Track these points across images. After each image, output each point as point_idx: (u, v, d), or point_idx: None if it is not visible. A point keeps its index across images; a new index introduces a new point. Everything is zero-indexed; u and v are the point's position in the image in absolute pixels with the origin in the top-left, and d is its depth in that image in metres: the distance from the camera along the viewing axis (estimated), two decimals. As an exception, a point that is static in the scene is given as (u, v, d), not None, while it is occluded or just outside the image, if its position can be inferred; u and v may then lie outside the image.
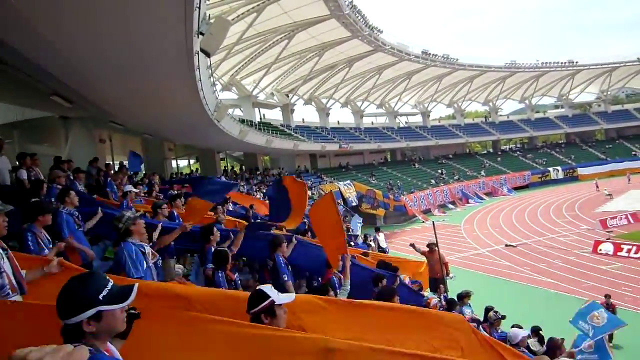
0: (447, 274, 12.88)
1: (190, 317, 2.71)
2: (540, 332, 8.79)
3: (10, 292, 3.03)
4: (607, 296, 13.05)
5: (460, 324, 4.06)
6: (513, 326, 8.61)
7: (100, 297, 1.78)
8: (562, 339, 7.11)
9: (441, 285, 12.10)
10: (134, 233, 4.27)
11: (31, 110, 14.11)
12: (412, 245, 13.29)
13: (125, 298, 1.86)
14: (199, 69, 10.41)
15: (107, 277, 1.91)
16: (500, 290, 16.81)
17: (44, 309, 2.42)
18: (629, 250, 19.90)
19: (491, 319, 8.58)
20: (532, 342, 7.82)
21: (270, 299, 2.92)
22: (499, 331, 8.59)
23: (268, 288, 3.06)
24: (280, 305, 2.97)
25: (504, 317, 8.71)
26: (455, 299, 9.59)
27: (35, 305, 2.58)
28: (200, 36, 8.41)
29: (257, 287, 3.11)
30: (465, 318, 8.11)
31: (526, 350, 6.41)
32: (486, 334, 6.98)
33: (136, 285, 1.95)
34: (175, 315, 2.72)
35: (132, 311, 2.14)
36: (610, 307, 12.04)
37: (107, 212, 6.41)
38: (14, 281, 3.08)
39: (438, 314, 4.38)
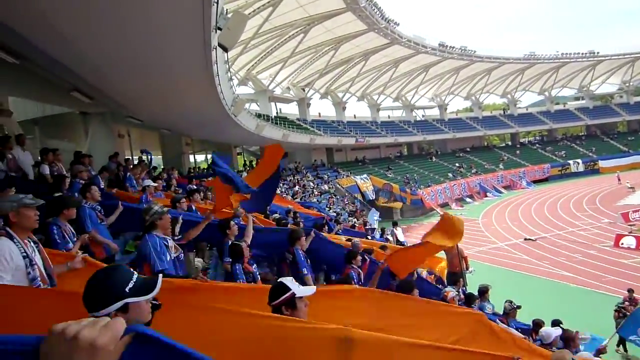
0: (467, 268, 12.79)
1: (209, 308, 2.74)
2: (561, 325, 8.73)
3: (42, 284, 3.10)
4: (631, 290, 12.68)
5: (477, 319, 4.05)
6: (535, 321, 8.57)
7: (127, 289, 1.80)
8: (577, 332, 7.02)
9: (460, 280, 12.03)
10: (159, 227, 4.33)
11: (52, 106, 14.39)
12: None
13: (150, 290, 1.87)
14: (216, 63, 10.47)
15: (132, 270, 1.94)
16: (519, 284, 16.64)
17: (73, 296, 2.47)
18: (651, 244, 19.56)
19: (506, 310, 8.59)
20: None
21: (291, 291, 2.95)
22: (517, 321, 8.60)
23: (289, 280, 3.08)
24: (301, 297, 2.99)
25: (519, 307, 8.72)
26: (475, 293, 9.53)
27: (64, 293, 2.64)
28: (218, 31, 8.45)
29: (278, 280, 3.13)
30: (485, 313, 8.09)
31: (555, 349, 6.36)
32: (504, 326, 6.96)
33: (160, 276, 1.96)
34: (193, 306, 2.75)
35: (154, 302, 2.18)
36: (634, 302, 11.77)
37: (126, 206, 6.50)
38: (44, 273, 3.15)
39: (453, 308, 4.37)
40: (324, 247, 7.79)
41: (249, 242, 6.29)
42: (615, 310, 11.72)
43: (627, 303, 11.77)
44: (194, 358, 1.26)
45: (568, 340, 6.62)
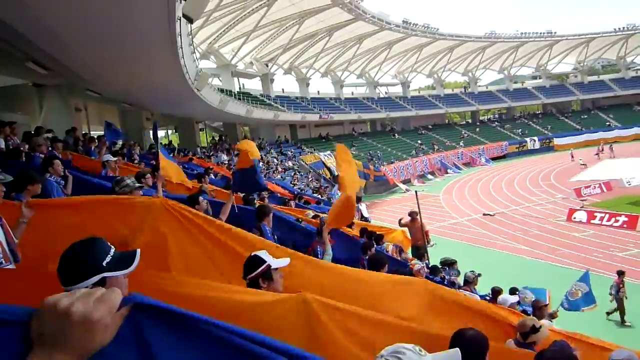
0: (428, 242, 13.12)
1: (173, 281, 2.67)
2: (517, 292, 9.17)
3: (4, 261, 2.98)
4: (621, 273, 12.35)
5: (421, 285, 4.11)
6: (493, 289, 8.94)
7: (104, 263, 1.75)
8: (546, 304, 7.34)
9: (425, 254, 12.35)
10: None
11: (3, 77, 13.64)
12: (399, 221, 13.46)
13: (128, 264, 1.83)
14: (180, 35, 10.16)
15: (109, 244, 1.88)
16: (478, 258, 17.18)
17: (40, 275, 2.38)
18: (601, 218, 20.46)
19: (469, 279, 8.98)
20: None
21: (267, 263, 2.96)
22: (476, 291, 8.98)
23: (263, 253, 3.08)
24: (276, 269, 3.00)
25: (479, 275, 9.20)
26: (439, 265, 9.83)
27: (31, 272, 2.54)
28: (182, 1, 8.17)
29: (252, 253, 3.12)
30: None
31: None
32: (468, 293, 7.23)
33: (138, 251, 1.91)
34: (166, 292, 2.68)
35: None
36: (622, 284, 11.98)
37: (87, 180, 6.32)
38: (7, 250, 3.02)
39: (402, 279, 4.40)
40: (286, 225, 7.80)
41: (224, 220, 6.23)
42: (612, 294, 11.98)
43: (622, 287, 12.00)
44: (202, 321, 1.20)
45: (535, 309, 6.93)
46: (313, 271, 3.77)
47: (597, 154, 42.68)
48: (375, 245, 7.58)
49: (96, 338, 0.93)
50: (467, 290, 8.20)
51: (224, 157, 26.64)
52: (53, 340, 0.90)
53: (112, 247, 1.86)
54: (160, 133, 35.67)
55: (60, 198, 4.51)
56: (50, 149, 8.80)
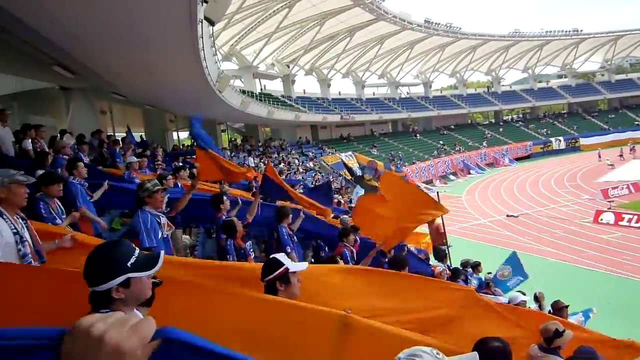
0: (444, 243, 13.02)
1: (206, 287, 2.72)
2: (539, 298, 9.00)
3: (32, 260, 3.06)
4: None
5: (468, 295, 4.07)
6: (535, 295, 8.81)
7: (129, 264, 1.80)
8: (566, 305, 7.20)
9: (446, 255, 12.24)
10: (150, 203, 4.28)
11: (31, 80, 13.97)
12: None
13: (152, 266, 1.88)
14: (202, 37, 10.27)
15: (134, 245, 1.93)
16: (501, 260, 16.91)
17: (67, 274, 2.43)
18: (629, 220, 19.98)
19: (489, 280, 8.91)
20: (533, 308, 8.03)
21: (285, 266, 2.96)
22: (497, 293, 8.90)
23: (282, 256, 3.10)
24: (294, 272, 3.01)
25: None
26: (460, 267, 9.72)
27: (58, 271, 2.60)
28: (204, 4, 8.26)
29: (271, 256, 3.14)
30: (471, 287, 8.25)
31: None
32: (491, 297, 7.16)
33: (162, 252, 1.96)
34: (192, 285, 2.73)
35: (154, 280, 2.17)
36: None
37: (112, 184, 6.43)
38: (34, 249, 3.10)
39: (445, 283, 4.38)
40: (315, 224, 7.83)
41: (250, 220, 6.31)
42: None
43: None
44: (231, 359, 1.19)
45: (555, 310, 6.83)
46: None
47: (620, 155, 41.53)
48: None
49: None
50: (487, 294, 8.11)
51: (251, 161, 26.77)
52: None
53: (137, 248, 1.91)
54: (183, 134, 36.13)
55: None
56: (76, 151, 9.03)
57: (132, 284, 1.80)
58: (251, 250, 5.86)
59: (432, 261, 11.68)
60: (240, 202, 7.05)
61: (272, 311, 2.63)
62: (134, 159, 9.26)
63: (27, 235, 3.09)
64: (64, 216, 4.28)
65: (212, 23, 9.41)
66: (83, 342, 0.91)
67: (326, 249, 8.14)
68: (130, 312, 1.86)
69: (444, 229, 13.49)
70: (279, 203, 9.14)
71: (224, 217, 6.10)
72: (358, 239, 7.52)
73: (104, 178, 6.60)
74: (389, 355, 2.69)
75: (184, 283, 2.66)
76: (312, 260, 8.62)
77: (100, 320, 0.93)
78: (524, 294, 8.65)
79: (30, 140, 7.77)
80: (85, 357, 0.90)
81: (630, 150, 42.87)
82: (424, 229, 13.26)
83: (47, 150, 7.73)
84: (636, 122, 57.89)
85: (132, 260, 1.82)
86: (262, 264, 3.11)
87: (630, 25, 56.69)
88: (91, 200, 5.76)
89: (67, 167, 5.67)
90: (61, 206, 4.44)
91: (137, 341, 0.93)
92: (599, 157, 41.39)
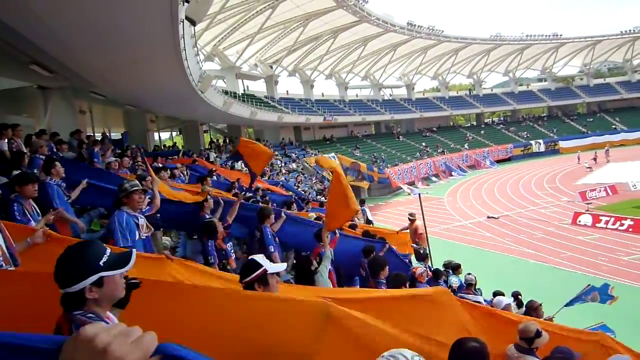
0: (419, 245, 13.06)
1: (182, 286, 2.70)
2: (520, 297, 9.13)
3: (4, 264, 2.99)
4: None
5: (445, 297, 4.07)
6: (495, 292, 8.89)
7: (101, 263, 1.79)
8: (540, 303, 7.31)
9: (427, 256, 12.32)
10: (126, 204, 4.23)
11: (8, 80, 13.69)
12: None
13: (124, 264, 1.87)
14: (183, 37, 10.18)
15: (104, 245, 1.92)
16: (483, 261, 17.11)
17: (39, 277, 2.39)
18: (606, 222, 20.32)
19: (471, 281, 9.00)
20: (512, 306, 8.13)
21: (263, 267, 2.96)
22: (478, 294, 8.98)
23: (260, 257, 3.09)
24: (272, 274, 3.00)
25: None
26: (442, 269, 9.79)
27: (30, 274, 2.55)
28: (185, 4, 8.19)
29: (249, 257, 3.13)
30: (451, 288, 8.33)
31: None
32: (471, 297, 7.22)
33: (134, 251, 1.95)
34: (167, 285, 2.71)
35: (133, 281, 2.15)
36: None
37: (91, 183, 6.33)
38: (7, 253, 3.03)
39: (426, 293, 4.36)
40: (294, 228, 7.79)
41: (231, 221, 6.29)
42: None
43: None
44: None
45: (530, 309, 6.91)
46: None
47: (594, 158, 42.07)
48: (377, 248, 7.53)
49: None
50: (469, 294, 8.18)
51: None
52: None
53: (108, 247, 1.89)
54: (165, 135, 35.83)
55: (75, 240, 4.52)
56: (54, 150, 8.88)
57: (105, 283, 1.79)
58: (232, 251, 5.84)
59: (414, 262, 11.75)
60: (222, 202, 7.02)
61: (251, 304, 2.61)
62: (113, 158, 9.16)
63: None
64: (40, 218, 4.19)
65: (193, 23, 9.35)
66: (86, 351, 0.90)
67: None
68: (104, 313, 1.84)
69: (425, 230, 13.61)
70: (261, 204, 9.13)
71: (206, 217, 6.08)
72: (338, 233, 7.49)
73: (86, 175, 6.48)
74: (371, 344, 2.71)
75: (157, 282, 2.63)
76: (295, 260, 8.60)
77: (104, 331, 0.92)
78: (502, 294, 8.76)
79: (6, 140, 7.60)
80: None
81: (606, 153, 43.55)
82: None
83: (24, 150, 7.59)
84: (613, 126, 59.12)
85: (104, 259, 1.81)
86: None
87: (608, 31, 57.73)
88: (69, 201, 5.65)
89: (43, 167, 5.55)
90: (36, 208, 4.35)
91: (139, 355, 0.92)
92: (579, 159, 42.08)
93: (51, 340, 0.99)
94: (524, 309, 7.91)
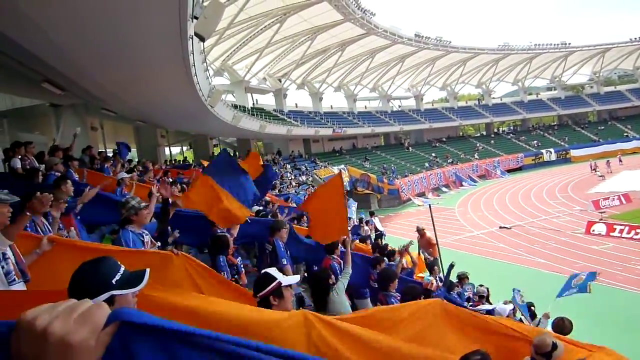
0: (430, 256, 13.07)
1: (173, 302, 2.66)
2: (532, 307, 8.99)
3: (16, 278, 3.03)
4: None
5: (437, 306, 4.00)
6: (505, 302, 8.79)
7: (113, 281, 1.78)
8: (571, 322, 6.90)
9: (435, 267, 12.22)
10: (135, 222, 4.27)
11: (21, 98, 13.94)
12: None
13: (137, 283, 1.84)
14: (193, 53, 10.31)
15: (119, 263, 1.90)
16: (495, 271, 16.94)
17: (51, 295, 2.40)
18: (621, 231, 20.03)
19: (483, 293, 8.94)
20: (524, 319, 8.03)
21: (278, 280, 2.95)
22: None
23: (273, 270, 3.08)
24: (287, 286, 2.99)
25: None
26: (455, 280, 9.72)
27: (42, 292, 2.56)
28: (194, 20, 8.29)
29: (263, 271, 3.13)
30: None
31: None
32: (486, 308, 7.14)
33: (148, 270, 1.92)
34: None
35: None
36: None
37: (104, 196, 6.36)
38: (17, 268, 3.06)
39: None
40: (297, 244, 7.79)
41: (235, 235, 6.29)
42: None
43: None
44: (198, 335, 1.10)
45: (557, 328, 6.54)
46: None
47: (594, 169, 41.35)
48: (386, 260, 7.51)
49: None
50: (478, 305, 8.13)
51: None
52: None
53: (122, 265, 1.88)
54: (175, 150, 36.07)
55: (82, 241, 4.54)
56: (67, 167, 8.95)
57: (116, 302, 1.76)
58: (242, 266, 5.83)
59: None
60: None
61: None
62: (125, 175, 9.17)
63: (9, 253, 3.05)
64: (51, 233, 4.23)
65: (202, 39, 9.44)
66: (29, 336, 0.81)
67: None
68: None
69: (437, 241, 13.53)
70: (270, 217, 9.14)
71: (218, 231, 6.11)
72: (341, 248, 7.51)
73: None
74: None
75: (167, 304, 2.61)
76: (305, 274, 8.57)
77: (46, 311, 0.84)
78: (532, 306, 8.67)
79: (19, 158, 7.70)
80: (33, 352, 0.80)
81: (600, 165, 42.35)
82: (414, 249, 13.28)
83: (37, 166, 7.68)
84: (625, 134, 58.54)
85: (117, 277, 1.80)
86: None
87: (618, 38, 57.56)
88: (77, 213, 5.67)
89: (54, 184, 5.59)
90: (47, 224, 4.39)
91: (86, 330, 0.83)
92: (595, 167, 41.11)
93: (5, 325, 0.91)
94: (538, 320, 7.76)
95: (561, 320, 6.64)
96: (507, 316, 6.78)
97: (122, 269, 1.85)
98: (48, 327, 0.80)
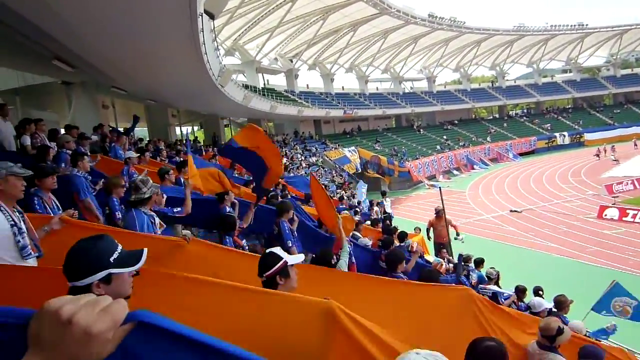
0: (457, 235, 13.13)
1: (185, 278, 2.65)
2: (540, 292, 8.94)
3: (32, 252, 3.08)
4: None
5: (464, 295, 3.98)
6: (517, 287, 8.69)
7: (111, 259, 1.76)
8: (571, 300, 7.06)
9: (444, 250, 12.24)
10: (151, 202, 4.32)
11: (33, 75, 13.97)
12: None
13: (135, 262, 1.84)
14: (202, 31, 10.21)
15: (116, 241, 1.89)
16: (505, 255, 16.88)
17: (47, 271, 2.42)
18: (634, 216, 19.81)
19: (492, 275, 8.89)
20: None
21: (283, 259, 2.92)
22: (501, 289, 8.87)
23: (278, 249, 3.06)
24: (292, 265, 2.98)
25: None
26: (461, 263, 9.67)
27: (36, 268, 2.58)
28: (203, -3, 8.21)
29: (267, 250, 3.10)
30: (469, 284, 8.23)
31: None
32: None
33: (145, 250, 1.91)
34: (170, 277, 2.67)
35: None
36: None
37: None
38: (32, 242, 3.13)
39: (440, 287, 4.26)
40: (306, 233, 7.75)
41: (245, 227, 6.36)
42: None
43: None
44: (208, 345, 1.13)
45: (559, 304, 6.74)
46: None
47: (596, 155, 40.94)
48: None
49: (94, 351, 0.88)
50: (487, 287, 8.15)
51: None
52: (50, 346, 0.86)
53: (120, 245, 1.87)
54: (187, 129, 36.10)
55: (94, 224, 4.57)
56: (77, 145, 8.97)
57: (113, 280, 1.76)
58: (246, 247, 5.88)
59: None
60: (237, 202, 7.00)
61: (253, 301, 2.57)
62: (133, 154, 9.13)
63: (24, 228, 3.10)
64: (60, 211, 4.24)
65: (212, 17, 9.36)
66: (52, 323, 0.87)
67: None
68: None
69: (452, 223, 13.57)
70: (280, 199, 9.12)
71: (226, 209, 6.16)
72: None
73: (100, 176, 6.51)
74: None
75: (160, 274, 2.60)
76: (313, 256, 8.56)
77: (70, 301, 0.89)
78: (525, 289, 8.61)
79: (29, 135, 7.71)
80: (53, 338, 0.86)
81: (608, 150, 41.85)
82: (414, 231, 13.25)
83: (48, 144, 7.69)
84: (641, 117, 57.46)
85: (115, 255, 1.79)
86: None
87: (636, 20, 56.04)
88: (94, 193, 5.73)
89: (71, 159, 5.72)
90: (56, 201, 4.41)
91: (107, 324, 0.90)
92: (612, 150, 40.50)
93: (21, 315, 0.96)
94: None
95: (562, 296, 6.86)
96: (540, 312, 6.67)
97: (120, 247, 1.84)
98: (74, 316, 0.87)
